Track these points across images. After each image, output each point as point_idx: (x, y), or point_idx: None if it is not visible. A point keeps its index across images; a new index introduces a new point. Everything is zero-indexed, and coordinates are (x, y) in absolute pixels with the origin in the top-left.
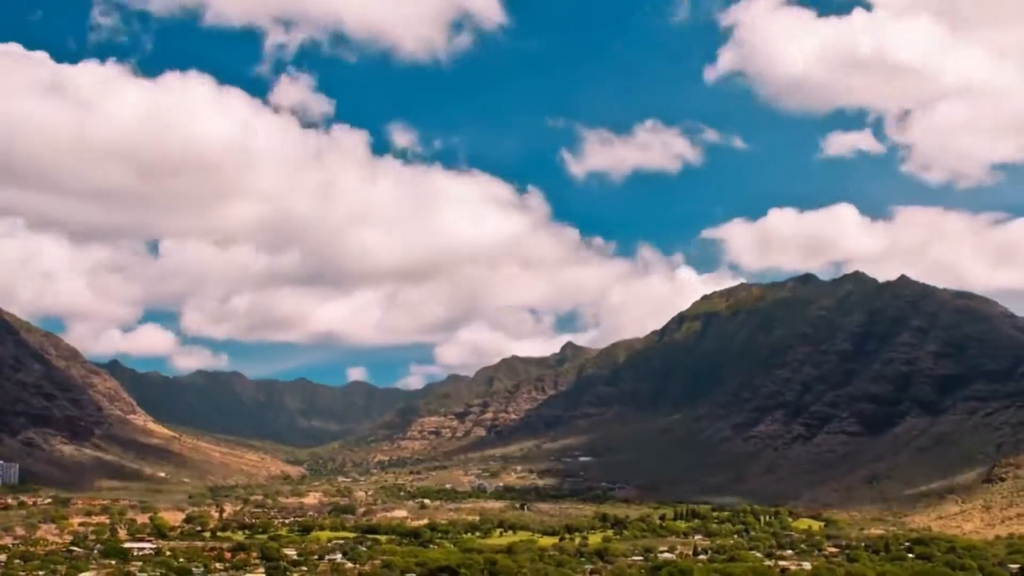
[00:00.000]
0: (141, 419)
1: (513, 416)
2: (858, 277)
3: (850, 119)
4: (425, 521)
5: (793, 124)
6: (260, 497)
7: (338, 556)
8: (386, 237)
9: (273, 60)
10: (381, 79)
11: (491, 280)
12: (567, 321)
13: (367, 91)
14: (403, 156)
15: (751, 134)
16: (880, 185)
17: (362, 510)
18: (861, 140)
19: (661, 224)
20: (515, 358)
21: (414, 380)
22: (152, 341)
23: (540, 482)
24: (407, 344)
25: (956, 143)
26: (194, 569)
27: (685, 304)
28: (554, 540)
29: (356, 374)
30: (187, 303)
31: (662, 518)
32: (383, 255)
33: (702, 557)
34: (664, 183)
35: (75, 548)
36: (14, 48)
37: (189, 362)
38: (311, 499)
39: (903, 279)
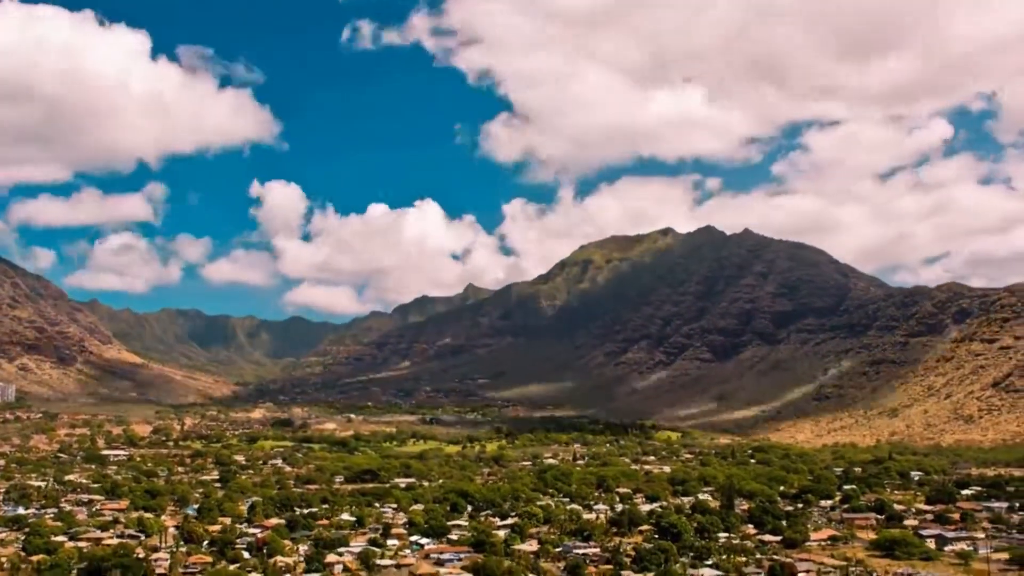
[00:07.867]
0: (116, 348)
1: (424, 345)
2: (709, 230)
3: None
4: (351, 432)
5: None
6: (214, 412)
7: (279, 461)
8: None
9: None
10: None
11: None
12: (470, 265)
13: None
14: None
15: None
16: None
17: (299, 423)
18: None
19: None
20: (425, 297)
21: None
22: None
23: (446, 400)
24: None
25: None
26: (160, 472)
27: (566, 252)
28: (457, 448)
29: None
30: None
31: (547, 430)
32: None
33: (580, 462)
34: None
35: (62, 455)
36: None
37: None
38: (257, 414)
39: (747, 232)
